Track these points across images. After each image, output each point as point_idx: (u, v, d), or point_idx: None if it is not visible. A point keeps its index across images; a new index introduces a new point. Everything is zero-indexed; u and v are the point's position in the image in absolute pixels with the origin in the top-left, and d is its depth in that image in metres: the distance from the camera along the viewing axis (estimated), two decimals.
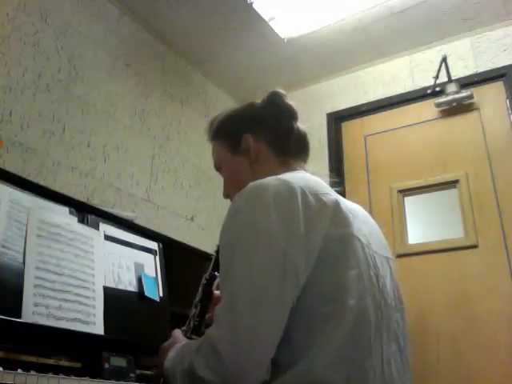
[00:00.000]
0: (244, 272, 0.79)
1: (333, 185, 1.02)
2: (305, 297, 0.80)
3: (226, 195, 1.12)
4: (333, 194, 0.92)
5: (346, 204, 0.95)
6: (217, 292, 1.09)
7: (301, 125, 1.12)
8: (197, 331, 1.03)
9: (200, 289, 1.10)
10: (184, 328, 1.06)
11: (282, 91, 1.12)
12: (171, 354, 0.89)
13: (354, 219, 0.91)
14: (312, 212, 0.84)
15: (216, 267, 1.09)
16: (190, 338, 1.01)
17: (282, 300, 0.78)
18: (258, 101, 1.13)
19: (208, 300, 1.08)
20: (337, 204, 0.89)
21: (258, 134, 1.07)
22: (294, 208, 0.83)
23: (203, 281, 1.10)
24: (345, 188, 2.75)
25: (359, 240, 0.89)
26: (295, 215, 0.83)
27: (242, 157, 1.07)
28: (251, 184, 0.89)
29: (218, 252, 1.08)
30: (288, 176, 0.92)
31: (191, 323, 1.05)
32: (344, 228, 0.87)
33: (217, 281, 1.09)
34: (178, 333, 1.02)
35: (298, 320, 0.80)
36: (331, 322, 0.80)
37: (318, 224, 0.84)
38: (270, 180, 0.89)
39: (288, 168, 1.03)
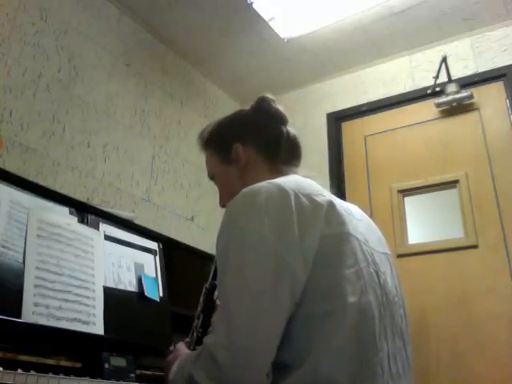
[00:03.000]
0: (237, 277, 0.80)
1: (328, 187, 1.02)
2: (304, 298, 0.80)
3: (222, 204, 1.13)
4: (326, 195, 0.92)
5: (341, 204, 0.95)
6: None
7: (291, 129, 1.12)
8: (200, 342, 1.00)
9: (201, 299, 1.09)
10: (187, 339, 1.05)
11: (269, 96, 1.13)
12: (174, 367, 0.88)
13: (349, 218, 0.92)
14: (305, 213, 0.85)
15: (216, 276, 1.08)
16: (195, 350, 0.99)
17: (277, 302, 0.78)
18: (247, 107, 1.14)
19: (210, 310, 1.06)
20: (331, 204, 0.89)
21: (248, 142, 1.08)
22: (287, 210, 0.84)
23: (204, 291, 1.09)
24: (345, 188, 2.76)
25: (356, 238, 0.89)
26: (288, 217, 0.83)
27: (232, 166, 1.08)
28: (244, 190, 0.89)
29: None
30: (280, 180, 0.92)
31: (194, 334, 1.04)
32: (339, 227, 0.87)
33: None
34: (181, 345, 1.02)
35: (300, 320, 0.80)
36: (333, 320, 0.80)
37: (312, 224, 0.84)
38: (261, 184, 0.89)
39: (278, 174, 1.02)
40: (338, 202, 0.94)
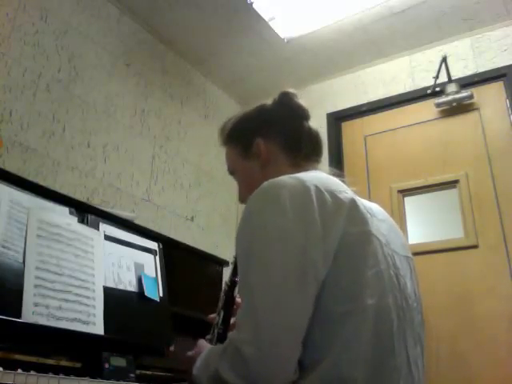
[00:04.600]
0: (261, 273, 0.78)
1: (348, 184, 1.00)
2: (323, 295, 0.79)
3: (242, 200, 1.11)
4: (349, 193, 0.91)
5: (364, 203, 0.94)
6: (238, 300, 1.06)
7: (313, 124, 1.10)
8: (222, 339, 1.00)
9: (222, 295, 1.08)
10: (208, 337, 1.04)
11: (292, 91, 1.11)
12: (198, 362, 0.87)
13: (371, 218, 0.90)
14: (328, 209, 0.83)
15: (236, 272, 1.06)
16: None
17: (302, 298, 0.77)
18: (269, 102, 1.12)
19: (230, 306, 1.06)
20: (354, 202, 0.88)
21: (269, 137, 1.06)
22: (310, 206, 0.82)
23: (224, 287, 1.08)
24: None
25: (378, 239, 0.88)
26: (311, 212, 0.81)
27: (253, 161, 1.07)
28: (265, 183, 0.88)
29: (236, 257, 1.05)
30: (302, 175, 0.91)
31: (215, 331, 1.03)
32: (361, 226, 0.86)
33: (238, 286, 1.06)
34: (202, 342, 1.00)
35: (318, 319, 0.79)
36: (351, 320, 0.79)
37: (334, 221, 0.82)
38: (283, 178, 0.88)
39: (300, 169, 1.01)
40: (360, 200, 0.92)
